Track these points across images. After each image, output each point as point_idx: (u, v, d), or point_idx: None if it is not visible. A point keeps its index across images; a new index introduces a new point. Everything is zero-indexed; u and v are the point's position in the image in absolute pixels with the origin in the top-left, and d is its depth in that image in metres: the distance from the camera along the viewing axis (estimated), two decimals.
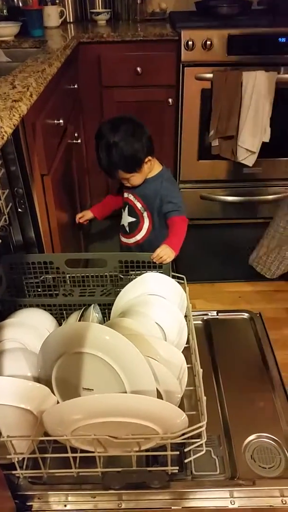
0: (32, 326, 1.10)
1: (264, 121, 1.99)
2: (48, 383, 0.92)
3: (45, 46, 1.52)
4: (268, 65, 1.93)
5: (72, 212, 1.49)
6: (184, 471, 0.95)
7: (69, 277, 1.23)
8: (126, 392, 0.86)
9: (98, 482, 0.90)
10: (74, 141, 1.54)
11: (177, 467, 0.88)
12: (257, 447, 1.00)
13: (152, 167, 1.34)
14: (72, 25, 2.14)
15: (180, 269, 1.31)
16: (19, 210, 1.17)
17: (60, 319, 1.21)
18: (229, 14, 2.14)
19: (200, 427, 0.82)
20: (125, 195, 1.42)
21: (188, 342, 1.10)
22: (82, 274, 1.21)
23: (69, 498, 0.90)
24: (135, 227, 1.45)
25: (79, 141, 1.56)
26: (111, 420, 0.78)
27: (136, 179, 1.31)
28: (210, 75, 1.96)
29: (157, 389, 0.88)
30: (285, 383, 1.15)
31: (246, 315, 1.38)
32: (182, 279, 1.18)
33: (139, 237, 1.45)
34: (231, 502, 0.89)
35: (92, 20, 2.20)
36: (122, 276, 1.21)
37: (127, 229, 1.47)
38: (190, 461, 0.93)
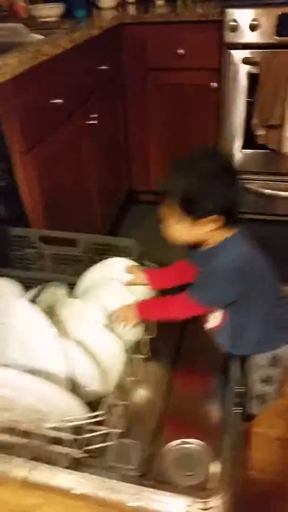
0: None
1: None
2: None
3: (75, 27, 1.55)
4: None
5: (67, 192, 1.49)
6: (101, 457, 0.93)
7: (46, 254, 1.26)
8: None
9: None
10: (89, 122, 1.55)
11: (82, 452, 0.88)
12: (184, 451, 0.94)
13: (214, 236, 0.93)
14: (130, 5, 2.14)
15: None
16: (2, 184, 1.22)
17: None
18: None
19: (96, 416, 0.80)
20: None
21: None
22: (55, 252, 1.24)
23: None
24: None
25: (95, 122, 1.57)
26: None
27: (176, 229, 0.91)
28: (257, 59, 1.82)
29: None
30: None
31: None
32: None
33: (212, 323, 1.06)
34: (132, 499, 0.86)
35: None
36: (95, 259, 1.21)
37: None
38: (106, 449, 0.92)
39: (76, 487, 0.90)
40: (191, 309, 0.98)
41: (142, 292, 1.11)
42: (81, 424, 0.81)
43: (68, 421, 0.81)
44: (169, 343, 1.19)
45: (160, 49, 1.91)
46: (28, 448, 0.91)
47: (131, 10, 2.06)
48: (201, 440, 0.95)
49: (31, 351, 0.88)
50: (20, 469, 0.93)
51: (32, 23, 1.73)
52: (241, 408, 1.03)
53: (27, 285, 1.24)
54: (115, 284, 1.08)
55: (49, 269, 1.27)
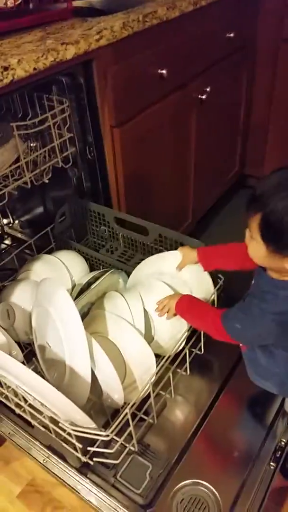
0: (60, 268, 1.14)
1: None
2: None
3: None
4: None
5: (159, 172, 1.37)
6: (112, 469, 0.89)
7: (119, 235, 1.21)
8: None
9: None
10: (200, 96, 1.39)
11: (90, 459, 0.84)
12: (194, 493, 0.84)
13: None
14: None
15: None
16: (89, 157, 1.17)
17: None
18: None
19: (98, 435, 0.75)
20: None
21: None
22: (127, 236, 1.17)
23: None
24: None
25: (206, 96, 1.40)
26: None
27: (254, 249, 0.74)
28: None
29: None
30: None
31: None
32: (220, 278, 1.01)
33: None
34: None
35: None
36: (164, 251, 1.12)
37: None
38: (121, 465, 0.88)
39: (80, 490, 0.88)
40: (219, 333, 0.84)
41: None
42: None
43: (73, 429, 0.76)
44: (225, 362, 1.07)
45: None
46: (45, 435, 0.90)
47: None
48: (219, 485, 0.85)
49: (61, 343, 0.84)
50: (38, 453, 0.94)
51: None
52: (278, 464, 0.88)
53: (93, 263, 1.22)
54: (164, 289, 0.98)
55: (118, 252, 1.21)
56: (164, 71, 1.18)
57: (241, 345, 0.90)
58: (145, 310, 0.95)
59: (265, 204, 0.68)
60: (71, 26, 1.01)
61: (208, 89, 1.42)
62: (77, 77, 1.02)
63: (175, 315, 0.94)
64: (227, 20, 1.46)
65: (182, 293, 0.96)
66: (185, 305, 0.92)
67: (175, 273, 1.01)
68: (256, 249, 0.73)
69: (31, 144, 1.02)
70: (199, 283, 1.01)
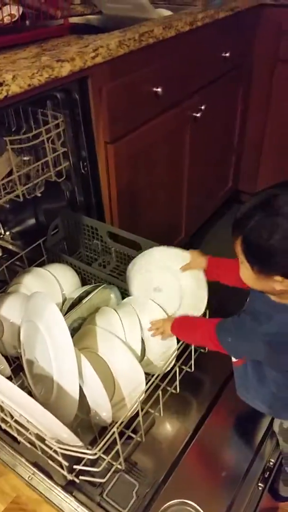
0: (51, 282, 1.14)
1: None
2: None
3: (207, 6, 1.39)
4: None
5: (152, 188, 1.38)
6: (98, 487, 0.88)
7: (112, 250, 1.21)
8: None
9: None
10: (195, 114, 1.41)
11: (76, 477, 0.82)
12: None
13: (282, 295, 0.75)
14: None
15: None
16: (82, 172, 1.17)
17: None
18: None
19: (85, 453, 0.74)
20: None
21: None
22: (120, 251, 1.18)
23: None
24: None
25: (201, 114, 1.42)
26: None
27: (244, 273, 0.75)
28: None
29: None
30: None
31: None
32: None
33: (233, 358, 0.91)
34: None
35: None
36: None
37: None
38: (108, 483, 0.87)
39: (65, 508, 0.86)
40: (214, 344, 0.83)
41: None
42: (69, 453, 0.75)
43: (59, 447, 0.75)
44: (216, 380, 1.07)
45: None
46: (31, 451, 0.89)
47: None
48: (206, 505, 0.84)
49: (49, 358, 0.84)
50: (24, 470, 0.92)
51: None
52: (266, 485, 0.88)
53: (85, 277, 1.21)
54: (156, 308, 0.98)
55: (111, 266, 1.21)
56: (159, 89, 1.20)
57: (233, 360, 0.90)
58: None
59: (244, 227, 0.69)
60: (67, 43, 1.02)
61: (203, 107, 1.44)
62: (72, 93, 1.03)
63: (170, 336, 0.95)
64: (223, 40, 1.48)
65: (173, 290, 0.97)
66: (180, 324, 0.93)
67: (177, 272, 0.99)
68: (245, 272, 0.74)
69: (25, 158, 1.02)
70: (194, 289, 0.99)
